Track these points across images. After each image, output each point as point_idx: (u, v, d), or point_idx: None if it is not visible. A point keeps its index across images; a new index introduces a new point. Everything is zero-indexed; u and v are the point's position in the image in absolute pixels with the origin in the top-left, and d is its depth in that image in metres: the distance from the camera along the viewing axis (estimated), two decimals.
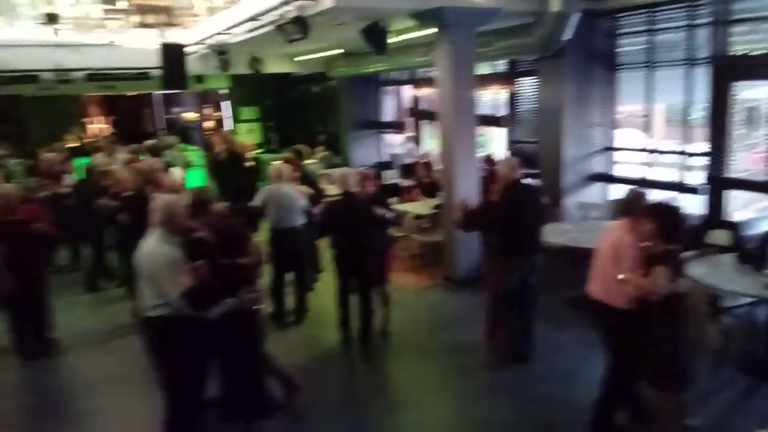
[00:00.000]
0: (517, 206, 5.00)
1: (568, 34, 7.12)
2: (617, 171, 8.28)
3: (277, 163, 7.01)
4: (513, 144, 9.74)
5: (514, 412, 4.61)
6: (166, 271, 3.58)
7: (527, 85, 9.19)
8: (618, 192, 8.04)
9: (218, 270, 3.72)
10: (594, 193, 8.26)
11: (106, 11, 10.81)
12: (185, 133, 17.86)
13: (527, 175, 9.39)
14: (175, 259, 3.63)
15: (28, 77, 9.85)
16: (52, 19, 9.13)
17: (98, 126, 17.70)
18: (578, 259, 7.22)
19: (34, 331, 5.82)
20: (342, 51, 11.20)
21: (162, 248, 3.65)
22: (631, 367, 3.64)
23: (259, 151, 15.15)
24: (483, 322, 5.64)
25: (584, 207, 8.02)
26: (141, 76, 10.34)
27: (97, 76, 10.21)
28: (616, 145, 8.26)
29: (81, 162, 9.22)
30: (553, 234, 6.48)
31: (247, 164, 9.87)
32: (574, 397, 4.62)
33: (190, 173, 10.02)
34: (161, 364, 3.86)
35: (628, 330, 3.61)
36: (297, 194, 6.31)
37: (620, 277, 3.57)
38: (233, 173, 9.39)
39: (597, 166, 8.26)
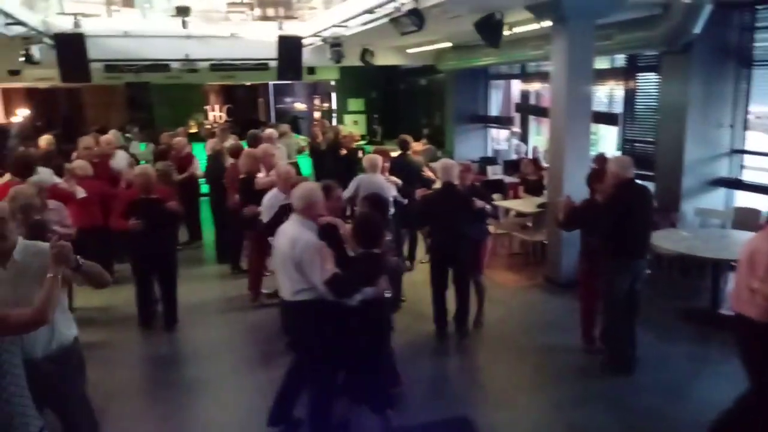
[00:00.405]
0: (628, 207, 4.76)
1: (698, 27, 6.67)
2: (746, 176, 7.66)
3: (371, 154, 7.16)
4: (627, 143, 9.28)
5: (612, 422, 4.40)
6: (311, 257, 3.64)
7: (647, 81, 8.71)
8: (746, 199, 7.48)
9: (359, 258, 3.79)
10: (716, 199, 7.70)
11: (230, 4, 11.41)
12: (295, 122, 18.57)
13: (640, 177, 9.00)
14: (319, 245, 3.71)
15: (158, 66, 10.61)
16: (183, 11, 9.78)
17: (216, 113, 18.76)
18: (693, 268, 6.84)
19: (161, 303, 6.24)
20: (451, 44, 11.16)
21: (305, 234, 3.74)
22: (763, 383, 3.41)
23: (362, 142, 15.49)
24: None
25: (704, 214, 7.52)
26: (259, 66, 10.83)
27: (219, 66, 10.81)
28: (746, 148, 7.65)
29: (198, 146, 9.86)
30: (667, 240, 6.14)
31: (346, 154, 10.10)
32: (678, 411, 4.37)
33: (300, 161, 10.45)
34: (300, 347, 4.00)
35: (760, 342, 3.39)
36: (387, 184, 6.48)
37: (753, 286, 3.34)
38: (333, 162, 9.71)
39: (722, 170, 7.69)
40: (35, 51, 8.63)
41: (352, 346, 3.87)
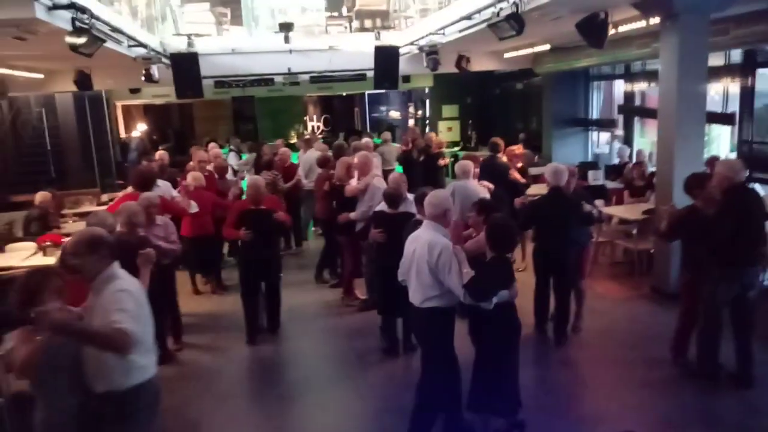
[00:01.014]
0: (737, 212, 4.54)
1: None
2: None
3: (462, 160, 7.18)
4: (744, 144, 8.65)
5: None
6: (449, 261, 3.73)
7: (767, 78, 8.08)
8: None
9: (493, 262, 3.86)
10: None
11: (330, 18, 11.80)
12: (390, 130, 18.81)
13: (760, 180, 8.35)
14: (456, 249, 3.82)
15: (263, 80, 11.15)
16: (286, 27, 10.23)
17: (315, 123, 19.38)
18: None
19: (266, 310, 6.42)
20: (549, 47, 10.90)
21: (441, 239, 3.86)
22: None
23: (456, 148, 15.44)
24: (672, 335, 5.27)
25: None
26: (357, 77, 11.10)
27: (318, 78, 11.19)
28: None
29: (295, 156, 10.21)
30: None
31: (439, 161, 10.20)
32: None
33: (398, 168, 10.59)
34: (431, 353, 4.05)
35: None
36: (480, 190, 6.55)
37: None
38: (424, 169, 9.82)
39: None
40: (154, 70, 9.34)
41: (486, 350, 3.94)
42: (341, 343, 6.18)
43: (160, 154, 9.33)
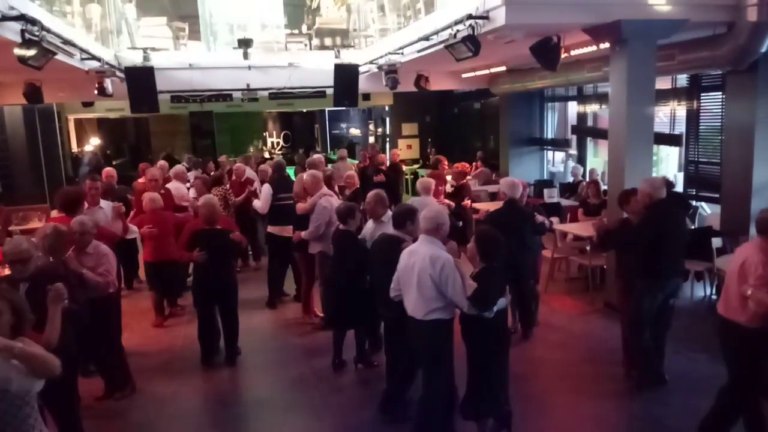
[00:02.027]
0: (660, 227, 4.86)
1: (764, 46, 6.45)
2: None
3: (424, 178, 7.27)
4: (690, 164, 9.01)
5: None
6: (453, 275, 3.82)
7: (712, 101, 8.46)
8: None
9: (488, 272, 3.97)
10: None
11: (290, 35, 11.80)
12: (350, 147, 18.87)
13: (705, 199, 8.70)
14: (455, 263, 3.89)
15: (221, 96, 11.03)
16: (245, 43, 10.18)
17: (274, 139, 19.29)
18: None
19: (223, 335, 6.09)
20: (505, 68, 11.16)
21: (443, 253, 3.93)
22: (750, 383, 3.83)
23: (416, 166, 15.59)
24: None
25: None
26: (317, 94, 11.11)
27: (278, 95, 11.14)
28: None
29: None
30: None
31: (390, 177, 10.45)
32: None
33: None
34: (434, 365, 4.08)
35: (748, 346, 3.75)
36: (439, 207, 6.47)
37: (747, 292, 3.63)
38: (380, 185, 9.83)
39: None
40: (108, 84, 9.14)
41: (482, 356, 4.05)
42: (299, 362, 6.09)
43: (108, 171, 8.66)
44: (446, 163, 11.01)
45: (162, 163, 10.11)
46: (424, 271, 3.87)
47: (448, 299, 3.88)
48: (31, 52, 5.54)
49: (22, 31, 5.41)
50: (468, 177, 11.97)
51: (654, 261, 4.85)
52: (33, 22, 5.46)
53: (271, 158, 12.59)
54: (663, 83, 8.88)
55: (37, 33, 5.55)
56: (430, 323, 3.95)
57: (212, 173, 9.87)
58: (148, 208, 6.69)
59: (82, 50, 7.52)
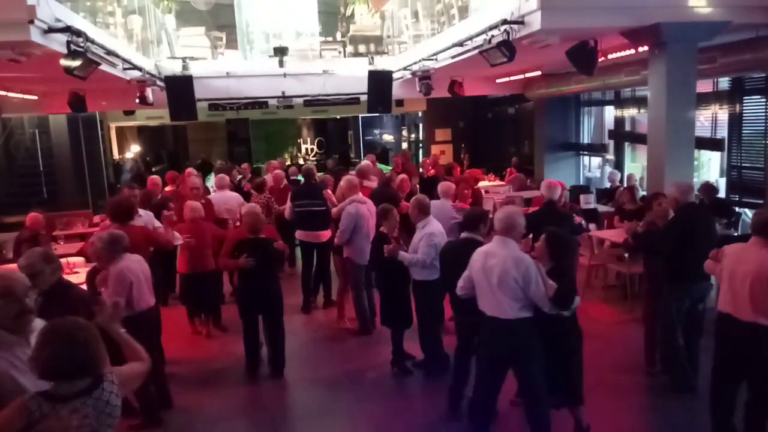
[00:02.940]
0: (685, 230, 4.89)
1: None
2: None
3: (444, 182, 7.33)
4: (733, 169, 8.77)
5: None
6: (536, 274, 3.91)
7: (755, 105, 8.22)
8: None
9: (561, 271, 4.08)
10: None
11: (324, 42, 11.94)
12: (384, 153, 18.93)
13: (747, 205, 8.45)
14: (535, 264, 3.98)
15: (257, 103, 11.22)
16: (280, 51, 10.34)
17: (308, 146, 19.49)
18: None
19: (267, 347, 5.94)
20: (540, 73, 11.06)
21: (524, 255, 4.02)
22: None
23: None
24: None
25: None
26: (351, 100, 11.19)
27: (312, 102, 11.27)
28: None
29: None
30: None
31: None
32: None
33: None
34: (531, 365, 4.11)
35: None
36: (452, 210, 6.61)
37: None
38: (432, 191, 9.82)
39: None
40: (149, 92, 9.39)
41: (563, 355, 4.19)
42: (334, 368, 6.11)
43: (153, 179, 8.78)
44: (459, 169, 11.02)
45: (190, 170, 10.16)
46: (507, 273, 3.92)
47: (529, 299, 3.96)
48: (77, 63, 5.73)
49: (68, 43, 5.60)
50: (486, 183, 11.94)
51: (680, 264, 4.88)
52: (78, 33, 5.65)
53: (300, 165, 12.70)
54: (704, 86, 8.67)
55: (82, 44, 5.74)
56: (520, 322, 4.00)
57: (236, 180, 9.98)
58: (188, 217, 6.51)
59: (124, 60, 7.74)
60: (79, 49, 5.72)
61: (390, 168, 13.49)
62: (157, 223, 6.43)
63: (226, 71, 10.85)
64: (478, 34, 6.79)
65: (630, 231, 5.39)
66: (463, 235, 4.87)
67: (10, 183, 14.08)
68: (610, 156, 11.99)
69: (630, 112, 11.12)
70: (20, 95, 10.18)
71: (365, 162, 9.38)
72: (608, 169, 11.61)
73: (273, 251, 5.59)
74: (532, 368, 4.10)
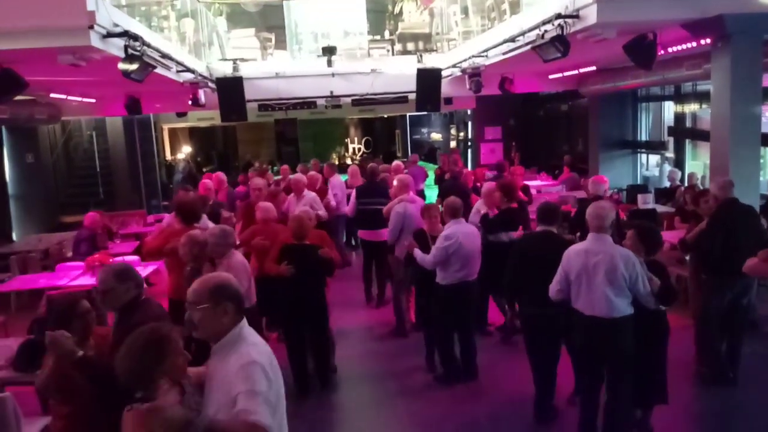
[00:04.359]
0: (728, 226, 4.99)
1: None
2: None
3: (488, 182, 7.28)
4: None
5: None
6: (640, 271, 3.95)
7: None
8: None
9: (657, 265, 4.14)
10: None
11: (372, 41, 11.91)
12: (432, 152, 18.79)
13: None
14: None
15: (306, 103, 11.29)
16: (329, 51, 10.36)
17: (356, 145, 19.55)
18: None
19: (313, 360, 5.60)
20: (595, 68, 10.73)
21: (629, 252, 4.02)
22: None
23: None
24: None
25: None
26: (399, 99, 11.13)
27: (360, 101, 11.26)
28: None
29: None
30: None
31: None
32: None
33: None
34: (626, 362, 4.11)
35: None
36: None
37: None
38: (455, 193, 9.50)
39: None
40: (200, 94, 9.56)
41: (655, 348, 4.24)
42: (383, 367, 6.06)
43: (206, 183, 8.13)
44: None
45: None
46: (616, 270, 3.92)
47: (632, 296, 3.99)
48: (134, 66, 5.86)
49: (125, 47, 5.73)
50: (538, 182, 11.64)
51: (721, 259, 4.95)
52: (135, 38, 5.78)
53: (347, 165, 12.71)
54: None
55: (138, 48, 5.86)
56: (623, 320, 4.00)
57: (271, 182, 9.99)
58: (261, 218, 6.10)
59: (177, 63, 7.89)
60: (135, 52, 5.85)
61: (436, 167, 13.37)
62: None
63: (275, 72, 10.95)
64: (530, 30, 6.61)
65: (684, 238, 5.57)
66: (539, 228, 4.85)
67: (69, 184, 14.66)
68: (670, 154, 11.53)
69: (691, 108, 10.65)
70: (79, 98, 10.54)
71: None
72: (667, 167, 11.16)
73: (317, 258, 5.19)
74: (628, 366, 4.09)
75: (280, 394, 2.43)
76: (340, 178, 9.79)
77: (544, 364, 4.74)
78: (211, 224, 5.96)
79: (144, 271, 6.92)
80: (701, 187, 8.52)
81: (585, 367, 4.32)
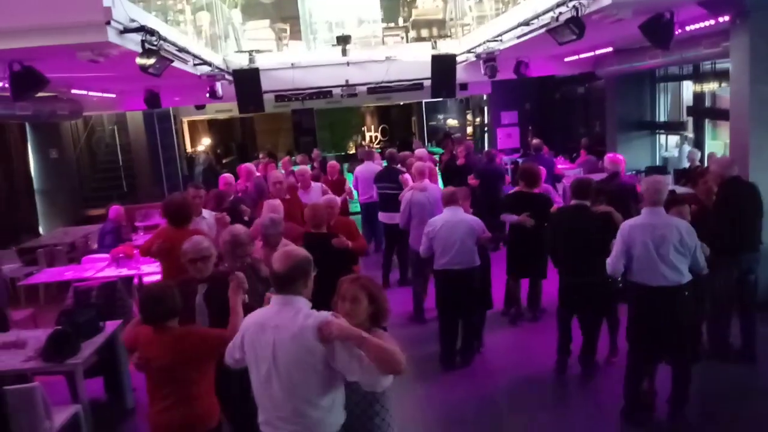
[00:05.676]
0: (732, 204, 5.10)
1: None
2: None
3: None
4: None
5: None
6: (697, 239, 4.22)
7: None
8: None
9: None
10: None
11: (387, 29, 11.89)
12: (447, 137, 18.68)
13: None
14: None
15: (322, 93, 11.33)
16: (343, 40, 10.38)
17: (372, 134, 19.55)
18: None
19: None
20: (611, 49, 10.60)
21: (682, 221, 4.29)
22: None
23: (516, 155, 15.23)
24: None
25: None
26: (414, 86, 11.12)
27: (376, 89, 11.27)
28: None
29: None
30: None
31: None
32: None
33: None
34: (686, 325, 4.34)
35: None
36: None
37: None
38: (461, 180, 9.23)
39: None
40: (218, 87, 9.65)
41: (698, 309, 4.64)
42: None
43: (227, 178, 7.65)
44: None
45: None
46: (683, 240, 4.16)
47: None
48: (151, 61, 5.95)
49: (142, 42, 5.81)
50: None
51: (726, 237, 5.03)
52: (152, 32, 5.86)
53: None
54: None
55: (155, 43, 5.95)
56: (686, 286, 4.25)
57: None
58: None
59: (194, 56, 7.97)
60: (152, 47, 5.93)
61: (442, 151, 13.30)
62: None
63: (291, 62, 10.99)
64: (544, 12, 6.55)
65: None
66: (573, 201, 5.22)
67: (93, 178, 14.93)
68: (690, 134, 11.37)
69: (710, 87, 10.48)
70: (99, 94, 10.72)
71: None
72: (687, 148, 11.01)
73: (330, 247, 4.93)
74: (690, 327, 4.36)
75: None
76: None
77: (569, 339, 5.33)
78: (206, 224, 5.71)
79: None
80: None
81: (646, 337, 4.40)
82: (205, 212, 6.04)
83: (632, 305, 4.43)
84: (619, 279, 4.89)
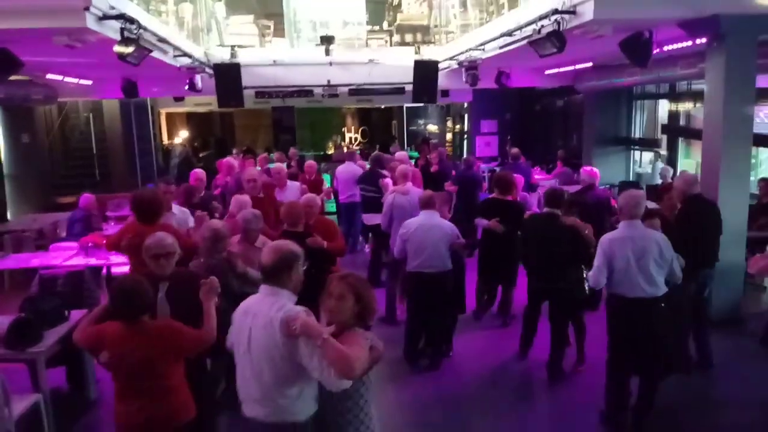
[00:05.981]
0: (694, 221, 5.23)
1: None
2: None
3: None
4: None
5: None
6: (672, 251, 4.32)
7: None
8: None
9: None
10: None
11: (371, 32, 11.90)
12: (426, 142, 18.71)
13: None
14: None
15: (303, 92, 11.30)
16: (327, 40, 10.36)
17: (352, 135, 19.52)
18: None
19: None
20: (591, 64, 10.76)
21: (658, 234, 4.37)
22: None
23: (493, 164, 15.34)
24: None
25: None
26: (396, 90, 11.15)
27: (357, 91, 11.27)
28: None
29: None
30: None
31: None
32: None
33: None
34: (662, 336, 4.42)
35: None
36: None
37: None
38: (436, 185, 9.34)
39: None
40: (197, 79, 9.56)
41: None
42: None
43: (197, 174, 7.43)
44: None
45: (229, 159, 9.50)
46: (662, 253, 4.25)
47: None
48: (129, 50, 5.86)
49: (122, 30, 5.73)
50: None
51: (686, 252, 4.97)
52: (131, 20, 5.78)
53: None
54: (764, 81, 8.26)
55: (135, 31, 5.87)
56: (662, 297, 4.30)
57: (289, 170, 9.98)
58: (235, 213, 5.46)
59: (175, 48, 7.89)
60: (132, 36, 5.86)
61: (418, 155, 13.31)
62: (191, 223, 5.74)
63: (273, 59, 10.94)
64: (527, 24, 6.64)
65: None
66: (546, 210, 5.40)
67: (65, 165, 14.63)
68: (663, 151, 11.60)
69: (685, 107, 10.72)
70: (75, 80, 10.51)
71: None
72: (660, 165, 11.23)
73: (306, 246, 4.62)
74: (668, 338, 4.45)
75: None
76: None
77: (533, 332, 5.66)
78: (175, 221, 5.49)
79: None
80: None
81: (623, 347, 4.45)
82: (175, 208, 5.85)
83: (610, 316, 4.51)
84: (586, 287, 5.03)
